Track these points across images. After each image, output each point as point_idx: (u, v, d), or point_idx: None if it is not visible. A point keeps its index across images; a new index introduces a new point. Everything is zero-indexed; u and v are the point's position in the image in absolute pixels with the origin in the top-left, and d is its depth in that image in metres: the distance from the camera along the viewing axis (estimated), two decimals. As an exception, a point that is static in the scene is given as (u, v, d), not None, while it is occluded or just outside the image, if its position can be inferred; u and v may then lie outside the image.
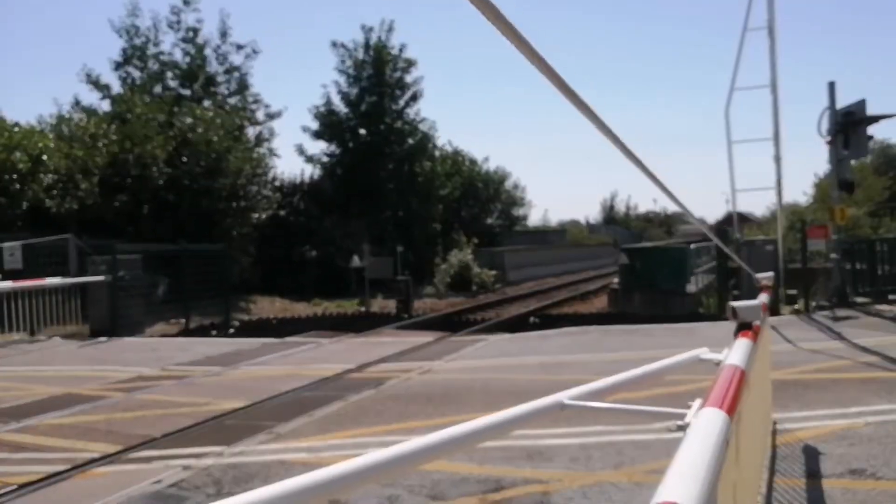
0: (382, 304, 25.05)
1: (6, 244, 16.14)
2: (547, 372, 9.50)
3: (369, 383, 9.11)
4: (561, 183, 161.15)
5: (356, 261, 25.24)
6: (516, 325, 19.24)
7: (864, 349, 9.94)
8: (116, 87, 29.54)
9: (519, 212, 52.72)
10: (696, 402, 2.20)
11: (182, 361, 11.39)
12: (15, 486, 5.46)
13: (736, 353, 3.05)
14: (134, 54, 29.95)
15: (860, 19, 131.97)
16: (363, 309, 23.63)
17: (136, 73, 30.10)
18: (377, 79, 35.11)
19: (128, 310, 15.42)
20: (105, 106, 28.81)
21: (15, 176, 20.87)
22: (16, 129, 22.76)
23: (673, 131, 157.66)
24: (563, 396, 2.51)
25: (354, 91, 35.59)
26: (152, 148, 23.25)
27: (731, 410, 2.10)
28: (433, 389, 8.62)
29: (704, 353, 3.45)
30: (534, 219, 67.42)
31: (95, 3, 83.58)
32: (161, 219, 23.63)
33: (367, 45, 35.33)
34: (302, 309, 24.48)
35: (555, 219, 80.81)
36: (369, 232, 31.28)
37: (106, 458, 6.17)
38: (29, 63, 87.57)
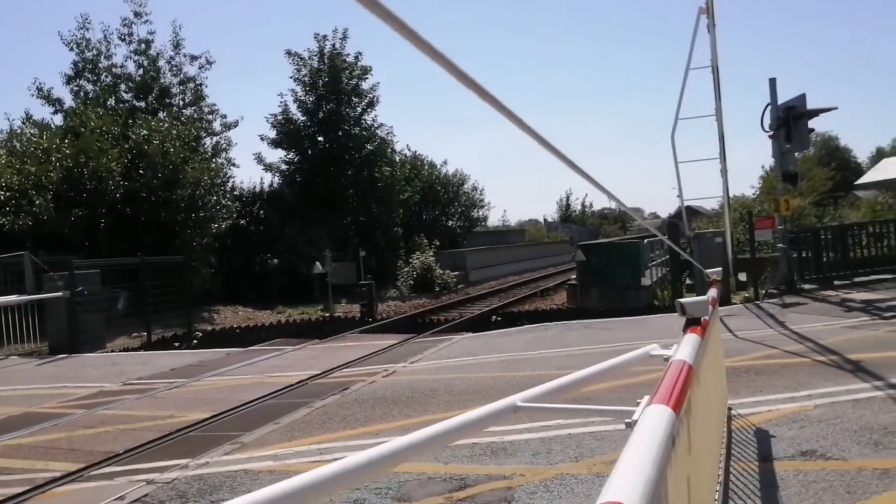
0: (346, 309, 24.99)
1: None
2: (509, 369, 9.63)
3: (334, 388, 9.15)
4: (519, 183, 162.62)
5: (318, 267, 25.17)
6: (479, 323, 19.37)
7: (812, 334, 10.22)
8: (69, 101, 29.02)
9: (478, 213, 53.04)
10: (644, 399, 2.21)
11: (144, 375, 11.30)
12: (-28, 512, 5.37)
13: (684, 348, 3.10)
14: (86, 67, 29.35)
15: (801, 14, 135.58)
16: (327, 315, 23.55)
17: (89, 87, 29.53)
18: (333, 86, 34.99)
19: (87, 325, 15.20)
20: (58, 120, 28.27)
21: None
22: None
23: (629, 126, 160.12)
24: (517, 399, 2.51)
25: (311, 99, 35.43)
26: (107, 161, 22.89)
27: (678, 406, 2.12)
28: (398, 392, 8.70)
29: (654, 349, 3.50)
30: (493, 219, 68.11)
31: (45, 17, 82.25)
32: (119, 232, 23.28)
33: (321, 54, 35.26)
34: (265, 317, 24.31)
35: (514, 219, 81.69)
36: (331, 238, 31.15)
37: (68, 477, 6.10)
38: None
